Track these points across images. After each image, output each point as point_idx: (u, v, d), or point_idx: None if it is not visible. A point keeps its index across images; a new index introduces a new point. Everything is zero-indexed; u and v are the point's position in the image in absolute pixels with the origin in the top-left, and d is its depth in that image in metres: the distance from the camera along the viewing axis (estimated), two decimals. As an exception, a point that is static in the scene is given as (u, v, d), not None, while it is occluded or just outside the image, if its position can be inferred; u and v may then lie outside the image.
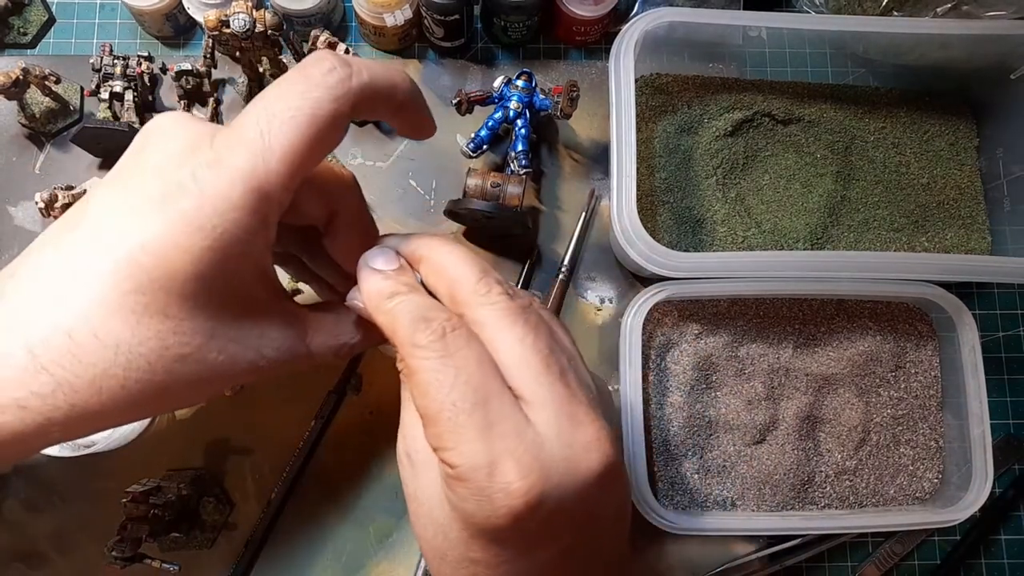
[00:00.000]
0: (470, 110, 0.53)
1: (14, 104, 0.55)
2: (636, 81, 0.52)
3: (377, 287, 0.31)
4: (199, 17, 0.54)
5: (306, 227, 0.35)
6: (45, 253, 0.28)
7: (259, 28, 0.49)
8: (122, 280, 0.26)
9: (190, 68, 0.54)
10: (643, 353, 0.51)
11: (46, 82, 0.53)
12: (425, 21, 0.55)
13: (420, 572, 0.51)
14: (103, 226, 0.27)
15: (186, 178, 0.27)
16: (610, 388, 0.54)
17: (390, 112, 0.32)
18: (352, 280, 0.34)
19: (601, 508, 0.29)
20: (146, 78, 0.55)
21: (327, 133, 0.28)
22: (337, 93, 0.28)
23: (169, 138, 0.28)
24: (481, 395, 0.27)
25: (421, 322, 0.28)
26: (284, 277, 0.52)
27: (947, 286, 0.52)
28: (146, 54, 0.56)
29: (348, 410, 0.53)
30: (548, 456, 0.26)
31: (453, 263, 0.31)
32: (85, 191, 0.50)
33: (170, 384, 0.28)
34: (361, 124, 0.57)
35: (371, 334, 0.35)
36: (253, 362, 0.31)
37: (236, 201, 0.26)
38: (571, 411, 0.28)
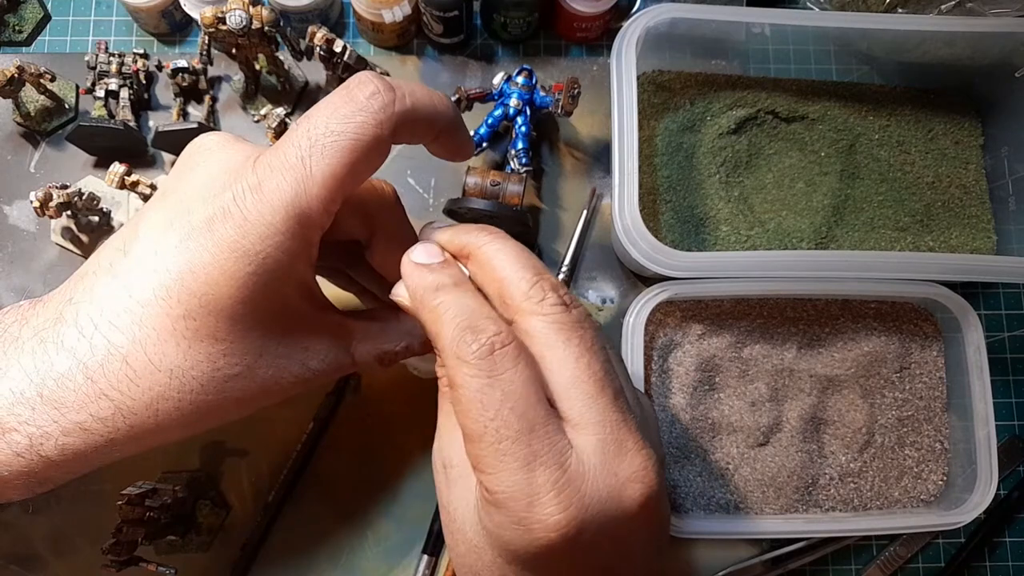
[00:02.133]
0: (469, 107, 0.53)
1: (9, 102, 0.54)
2: (638, 78, 0.51)
3: (422, 281, 0.29)
4: (195, 14, 0.53)
5: (348, 241, 0.35)
6: (99, 279, 0.28)
7: (255, 25, 0.48)
8: (173, 306, 0.27)
9: (186, 66, 0.53)
10: (645, 354, 0.51)
11: (41, 80, 0.52)
12: (424, 17, 0.55)
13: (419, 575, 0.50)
14: (153, 252, 0.27)
15: (229, 203, 0.27)
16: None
17: (430, 137, 0.32)
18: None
19: (638, 537, 0.28)
20: (141, 76, 0.55)
21: (369, 158, 0.28)
22: (380, 118, 0.28)
23: (213, 160, 0.29)
24: (527, 423, 0.25)
25: (468, 332, 0.26)
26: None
27: (952, 286, 0.52)
28: (142, 51, 0.55)
29: (347, 412, 0.52)
30: (591, 487, 0.25)
31: (504, 262, 0.29)
32: (80, 189, 0.49)
33: (222, 401, 0.29)
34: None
35: (416, 342, 0.34)
36: (300, 375, 0.31)
37: (279, 226, 0.27)
38: (619, 438, 0.26)
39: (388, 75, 0.57)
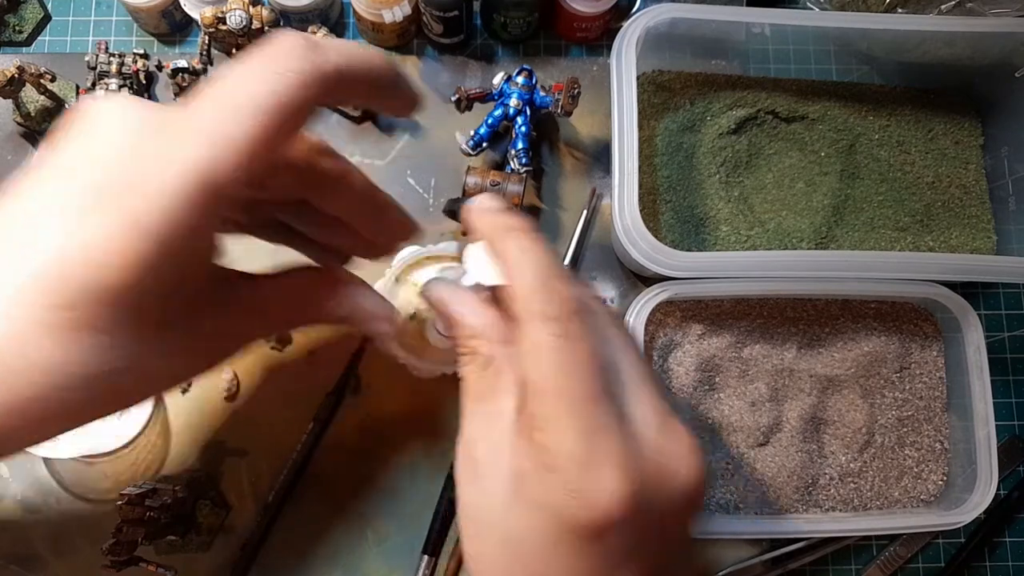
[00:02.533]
0: (469, 107, 0.53)
1: (9, 102, 0.54)
2: (638, 78, 0.51)
3: (496, 220, 0.29)
4: (195, 14, 0.53)
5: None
6: None
7: (255, 25, 0.48)
8: (50, 294, 0.23)
9: (186, 66, 0.53)
10: (645, 354, 0.51)
11: (41, 80, 0.52)
12: (424, 17, 0.55)
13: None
14: (29, 230, 0.23)
15: (129, 172, 0.23)
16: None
17: (367, 98, 0.31)
18: (362, 238, 0.33)
19: (679, 536, 0.28)
20: (142, 76, 0.55)
21: (288, 122, 0.25)
22: (304, 79, 0.25)
23: (111, 125, 0.25)
24: (595, 389, 0.26)
25: (554, 293, 0.27)
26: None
27: (952, 286, 0.52)
28: (142, 52, 0.55)
29: (346, 412, 0.52)
30: (644, 461, 0.26)
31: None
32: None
33: (116, 390, 0.26)
34: (359, 121, 0.56)
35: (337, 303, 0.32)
36: (210, 356, 0.29)
37: (184, 199, 0.23)
38: (667, 422, 0.27)
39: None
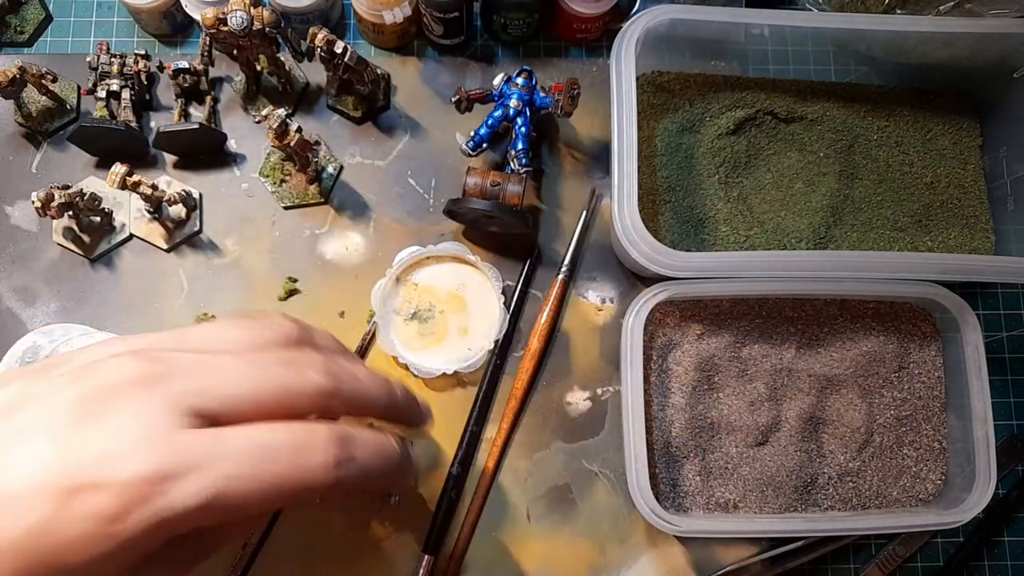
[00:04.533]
0: (469, 108, 0.53)
1: (11, 103, 0.54)
2: (637, 79, 0.52)
3: None
4: (196, 15, 0.54)
5: None
6: None
7: (257, 26, 0.48)
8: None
9: (187, 66, 0.54)
10: (644, 354, 0.51)
11: (43, 81, 0.52)
12: (424, 18, 0.55)
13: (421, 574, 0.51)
14: None
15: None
16: (611, 389, 0.54)
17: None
18: None
19: None
20: (143, 77, 0.55)
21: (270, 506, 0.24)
22: (312, 492, 0.24)
23: None
24: None
25: None
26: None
27: (951, 286, 0.52)
28: (143, 52, 0.55)
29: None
30: None
31: None
32: (81, 190, 0.49)
33: None
34: (360, 121, 0.57)
35: None
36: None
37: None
38: None
39: (388, 77, 0.57)
